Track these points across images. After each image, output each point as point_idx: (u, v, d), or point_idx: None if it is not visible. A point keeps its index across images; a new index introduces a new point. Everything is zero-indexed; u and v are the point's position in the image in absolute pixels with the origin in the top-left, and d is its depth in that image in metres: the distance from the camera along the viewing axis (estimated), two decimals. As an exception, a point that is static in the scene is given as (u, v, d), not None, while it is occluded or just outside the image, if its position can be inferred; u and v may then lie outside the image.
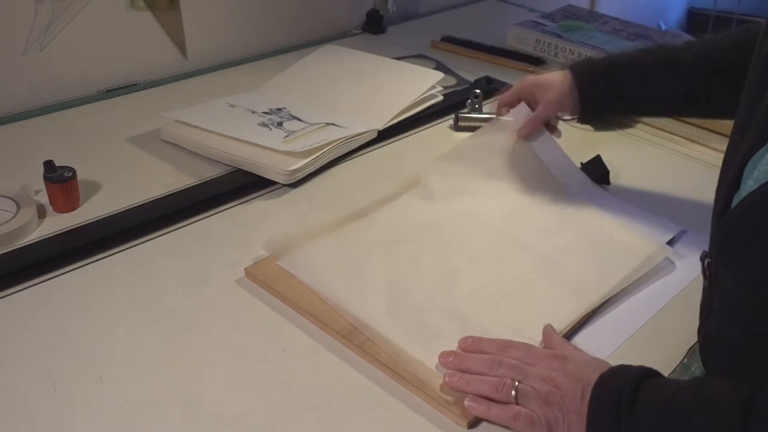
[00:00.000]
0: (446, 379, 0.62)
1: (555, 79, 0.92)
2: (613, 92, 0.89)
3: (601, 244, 0.82)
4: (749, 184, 0.55)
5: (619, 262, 0.79)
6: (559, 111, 0.93)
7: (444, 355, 0.64)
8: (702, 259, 0.64)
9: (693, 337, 0.68)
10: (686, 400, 0.53)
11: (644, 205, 0.88)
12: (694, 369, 0.68)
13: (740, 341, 0.57)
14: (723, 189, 0.59)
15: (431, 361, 0.64)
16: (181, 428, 0.59)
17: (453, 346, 0.66)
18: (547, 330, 0.68)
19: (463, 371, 0.62)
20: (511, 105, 0.96)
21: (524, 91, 0.95)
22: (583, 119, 0.95)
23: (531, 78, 0.95)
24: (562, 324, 0.70)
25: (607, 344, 0.69)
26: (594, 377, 0.58)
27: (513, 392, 0.59)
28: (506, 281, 0.75)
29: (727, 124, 0.67)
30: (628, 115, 1.10)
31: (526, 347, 0.64)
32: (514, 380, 0.60)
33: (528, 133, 0.93)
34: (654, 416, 0.53)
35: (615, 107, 0.93)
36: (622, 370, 0.58)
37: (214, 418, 0.60)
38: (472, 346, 0.65)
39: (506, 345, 0.64)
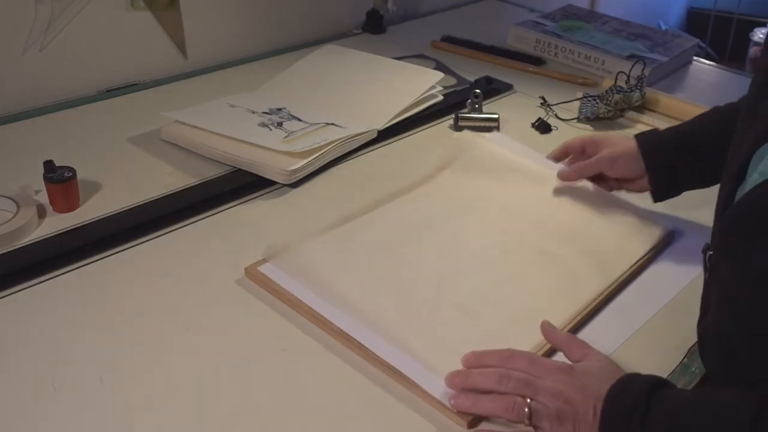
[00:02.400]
0: (452, 402, 0.60)
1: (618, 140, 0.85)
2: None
3: (598, 237, 0.82)
4: (754, 177, 0.54)
5: (617, 252, 0.79)
6: (616, 170, 0.84)
7: (450, 377, 0.62)
8: (704, 252, 0.64)
9: (693, 337, 0.68)
10: (694, 412, 0.53)
11: (644, 204, 0.88)
12: (694, 369, 0.68)
13: (734, 337, 0.56)
14: (728, 180, 0.59)
15: (442, 360, 0.64)
16: (181, 428, 0.59)
17: (464, 341, 0.65)
18: (545, 328, 0.67)
19: (470, 388, 0.61)
20: (561, 157, 0.91)
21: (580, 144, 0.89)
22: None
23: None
24: (565, 316, 0.71)
25: (608, 344, 0.69)
26: (604, 391, 0.57)
27: (526, 410, 0.58)
28: (507, 276, 0.76)
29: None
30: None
31: (530, 357, 0.62)
32: (525, 398, 0.58)
33: (570, 179, 0.87)
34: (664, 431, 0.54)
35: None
36: (631, 382, 0.57)
37: (214, 418, 0.60)
38: (474, 361, 0.63)
39: (509, 355, 0.62)
